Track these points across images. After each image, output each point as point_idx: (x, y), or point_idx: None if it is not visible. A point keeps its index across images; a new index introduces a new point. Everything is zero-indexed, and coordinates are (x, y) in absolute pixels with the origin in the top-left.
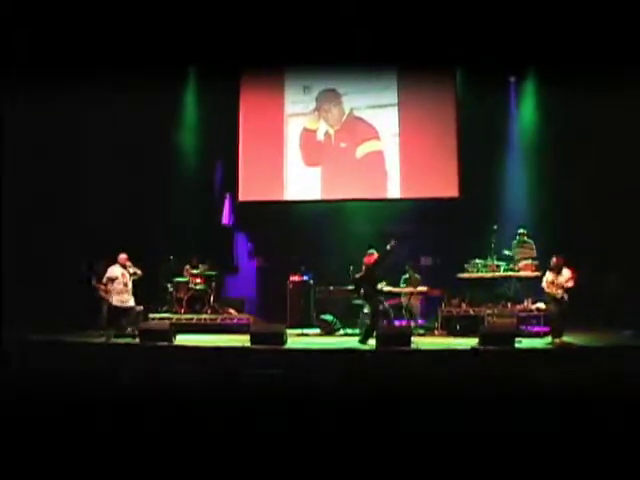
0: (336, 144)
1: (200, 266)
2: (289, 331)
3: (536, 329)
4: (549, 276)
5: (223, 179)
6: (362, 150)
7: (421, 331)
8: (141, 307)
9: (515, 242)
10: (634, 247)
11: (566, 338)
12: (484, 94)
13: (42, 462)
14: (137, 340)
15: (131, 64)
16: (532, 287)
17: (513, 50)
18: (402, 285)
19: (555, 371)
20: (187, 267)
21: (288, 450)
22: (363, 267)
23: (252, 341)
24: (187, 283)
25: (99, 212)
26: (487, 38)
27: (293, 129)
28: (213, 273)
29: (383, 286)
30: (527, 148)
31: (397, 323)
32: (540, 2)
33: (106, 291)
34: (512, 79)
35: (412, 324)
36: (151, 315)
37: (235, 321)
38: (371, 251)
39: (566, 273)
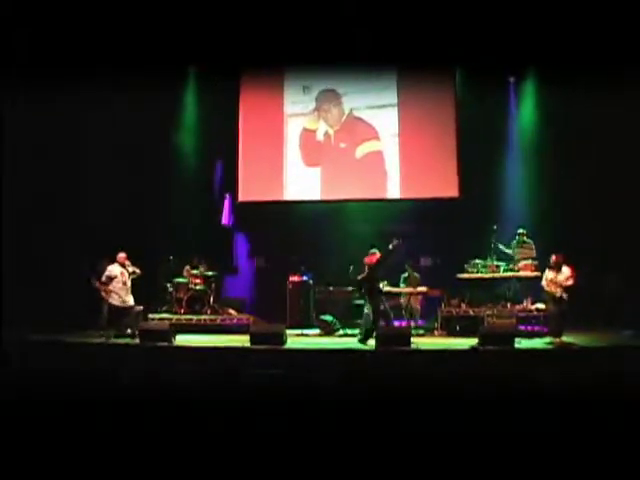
0: (336, 144)
1: (200, 266)
2: (289, 331)
3: (536, 329)
4: (549, 274)
5: (223, 179)
6: (362, 150)
7: (421, 331)
8: (141, 307)
9: (515, 242)
10: (634, 247)
11: (566, 338)
12: (484, 94)
13: (42, 462)
14: (137, 340)
15: (131, 64)
16: (532, 287)
17: (513, 50)
18: (402, 284)
19: (555, 371)
20: (187, 267)
21: (288, 450)
22: (365, 267)
23: (252, 341)
24: (187, 283)
25: (99, 212)
26: (487, 38)
27: (293, 129)
28: (213, 273)
29: (384, 286)
30: (527, 148)
31: (397, 323)
32: (540, 2)
33: (106, 291)
34: (512, 79)
35: (412, 324)
36: (151, 315)
37: (235, 321)
38: (373, 250)
39: (566, 271)
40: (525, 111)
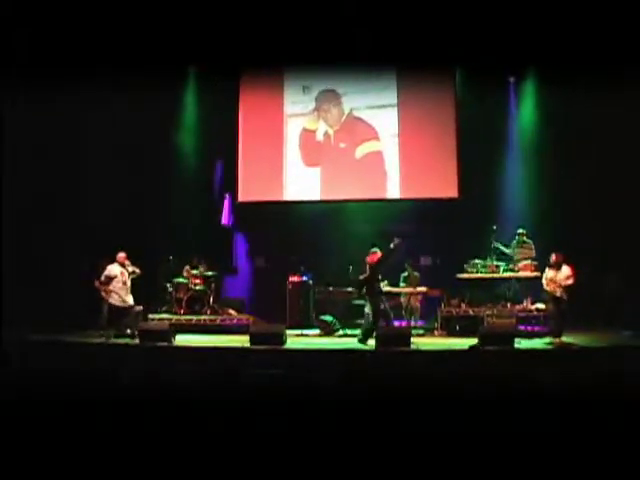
0: (335, 144)
1: (200, 266)
2: (288, 331)
3: (536, 329)
4: (549, 273)
5: (223, 179)
6: (361, 150)
7: (421, 331)
8: (141, 307)
9: (514, 242)
10: (634, 247)
11: (566, 338)
12: (484, 94)
13: (42, 462)
14: (137, 340)
15: (131, 64)
16: (531, 287)
17: (513, 50)
18: (401, 283)
19: (555, 371)
20: (187, 267)
21: (288, 450)
22: (367, 266)
23: (252, 341)
24: (187, 283)
25: (99, 212)
26: (487, 38)
27: (292, 129)
28: (213, 273)
29: (385, 286)
30: (527, 148)
31: (397, 324)
32: (540, 2)
33: (105, 290)
34: (512, 79)
35: (412, 324)
36: (151, 316)
37: (235, 321)
38: (374, 250)
39: (565, 270)
40: (525, 111)
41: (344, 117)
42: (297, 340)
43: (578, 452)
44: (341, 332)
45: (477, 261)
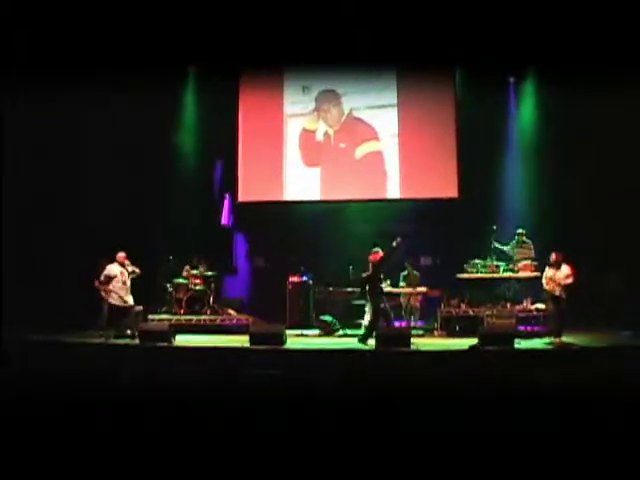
0: (335, 144)
1: (200, 266)
2: (288, 332)
3: (536, 329)
4: (548, 272)
5: (222, 179)
6: (361, 150)
7: (420, 332)
8: (141, 307)
9: (514, 242)
10: (634, 247)
11: (566, 338)
12: (484, 94)
13: (42, 462)
14: (136, 341)
15: (131, 64)
16: (531, 287)
17: (513, 50)
18: (401, 283)
19: (555, 371)
20: (187, 267)
21: (288, 450)
22: (370, 265)
23: (251, 341)
24: (187, 284)
25: (99, 212)
26: (486, 38)
27: (292, 129)
28: (213, 274)
29: (386, 286)
30: (527, 148)
31: (396, 324)
32: (540, 2)
33: (105, 290)
34: (512, 79)
35: (411, 324)
36: (150, 316)
37: (234, 322)
38: (376, 249)
39: (565, 269)
40: (525, 111)
41: (344, 117)
42: (297, 340)
43: (578, 452)
44: (341, 332)
45: (477, 261)
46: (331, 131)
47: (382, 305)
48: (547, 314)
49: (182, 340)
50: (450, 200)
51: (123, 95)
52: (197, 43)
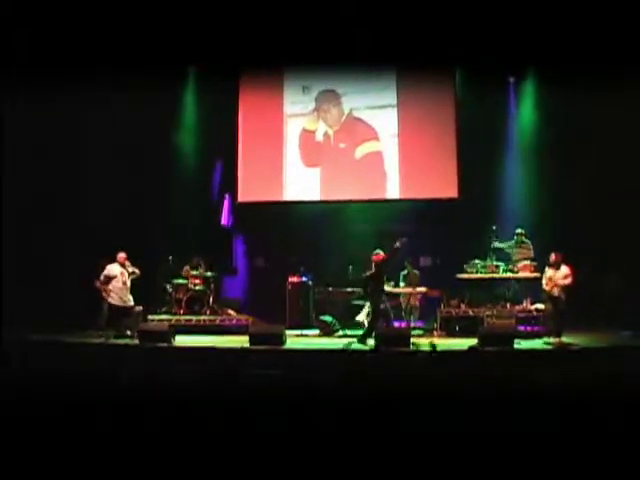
0: (335, 145)
1: (199, 267)
2: (288, 332)
3: (535, 330)
4: (548, 272)
5: (222, 179)
6: (361, 151)
7: (420, 332)
8: (141, 307)
9: (513, 242)
10: (634, 247)
11: (566, 338)
12: (484, 94)
13: (42, 462)
14: (136, 341)
15: (131, 64)
16: (531, 288)
17: (513, 50)
18: (401, 282)
19: (555, 371)
20: (186, 268)
21: (288, 450)
22: (372, 265)
23: (251, 342)
24: (186, 284)
25: (99, 212)
26: (486, 38)
27: (292, 129)
28: (212, 274)
29: (389, 286)
30: (526, 148)
31: (396, 324)
32: (540, 2)
33: (105, 290)
34: (511, 79)
35: (411, 325)
36: (150, 316)
37: (234, 322)
38: (377, 251)
39: (564, 270)
40: (525, 111)
41: (344, 117)
42: (297, 340)
43: (578, 453)
44: (341, 332)
45: (477, 261)
46: (331, 131)
47: (382, 305)
48: (545, 314)
49: (182, 340)
50: (450, 200)
51: (123, 95)
52: (197, 43)
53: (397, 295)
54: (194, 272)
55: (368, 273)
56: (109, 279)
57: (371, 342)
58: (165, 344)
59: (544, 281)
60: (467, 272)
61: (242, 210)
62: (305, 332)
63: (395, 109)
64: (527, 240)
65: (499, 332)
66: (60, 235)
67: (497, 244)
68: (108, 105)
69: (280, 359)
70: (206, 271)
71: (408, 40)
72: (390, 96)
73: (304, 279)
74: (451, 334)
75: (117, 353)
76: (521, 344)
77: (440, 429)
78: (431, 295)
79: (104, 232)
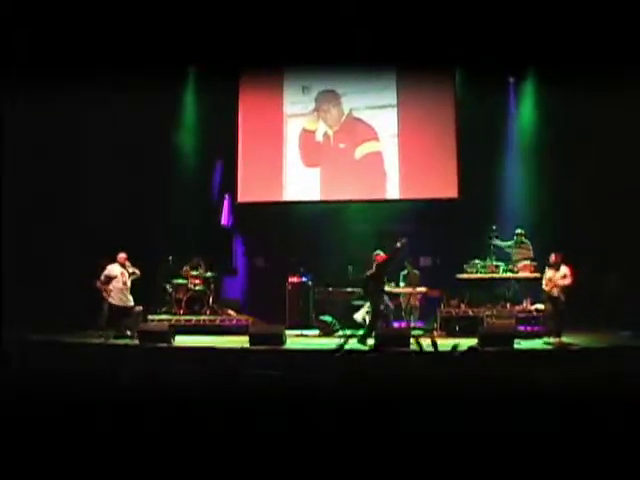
0: (335, 145)
1: (199, 267)
2: (288, 332)
3: (535, 330)
4: (548, 273)
5: (222, 179)
6: (361, 151)
7: (420, 332)
8: (141, 307)
9: (513, 242)
10: (634, 247)
11: (566, 338)
12: (483, 94)
13: (42, 462)
14: (136, 341)
15: (131, 64)
16: (531, 288)
17: (512, 50)
18: (401, 282)
19: (555, 372)
20: (186, 268)
21: (287, 450)
22: (373, 265)
23: (251, 342)
24: (186, 284)
25: (99, 212)
26: (486, 38)
27: (292, 130)
28: (212, 274)
29: (389, 287)
30: (526, 148)
31: (396, 325)
32: (540, 2)
33: (106, 290)
34: (511, 79)
35: (411, 325)
36: (150, 316)
37: (234, 322)
38: (377, 252)
39: (563, 270)
40: (525, 111)
41: (344, 117)
42: (297, 340)
43: (578, 453)
44: (341, 332)
45: (477, 261)
46: (331, 131)
47: (382, 306)
48: (545, 314)
49: (182, 340)
50: (450, 200)
51: (123, 95)
52: (197, 43)
53: (397, 295)
54: (194, 272)
55: (368, 273)
56: (109, 279)
57: (371, 342)
58: (165, 344)
59: (544, 282)
60: (467, 272)
61: (242, 210)
62: (305, 332)
63: (395, 109)
64: (527, 240)
65: (499, 332)
66: (60, 235)
67: (496, 242)
68: (108, 105)
69: (280, 359)
70: (206, 271)
71: (408, 40)
72: (390, 96)
73: (304, 279)
74: (451, 334)
75: (117, 353)
76: (521, 344)
77: (440, 429)
78: (431, 295)
79: (104, 232)
